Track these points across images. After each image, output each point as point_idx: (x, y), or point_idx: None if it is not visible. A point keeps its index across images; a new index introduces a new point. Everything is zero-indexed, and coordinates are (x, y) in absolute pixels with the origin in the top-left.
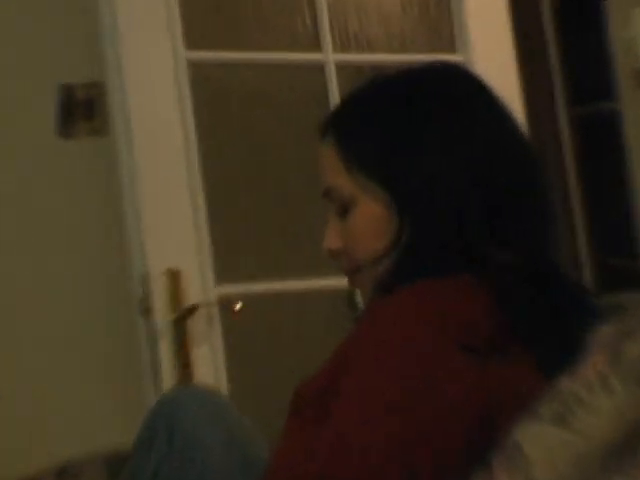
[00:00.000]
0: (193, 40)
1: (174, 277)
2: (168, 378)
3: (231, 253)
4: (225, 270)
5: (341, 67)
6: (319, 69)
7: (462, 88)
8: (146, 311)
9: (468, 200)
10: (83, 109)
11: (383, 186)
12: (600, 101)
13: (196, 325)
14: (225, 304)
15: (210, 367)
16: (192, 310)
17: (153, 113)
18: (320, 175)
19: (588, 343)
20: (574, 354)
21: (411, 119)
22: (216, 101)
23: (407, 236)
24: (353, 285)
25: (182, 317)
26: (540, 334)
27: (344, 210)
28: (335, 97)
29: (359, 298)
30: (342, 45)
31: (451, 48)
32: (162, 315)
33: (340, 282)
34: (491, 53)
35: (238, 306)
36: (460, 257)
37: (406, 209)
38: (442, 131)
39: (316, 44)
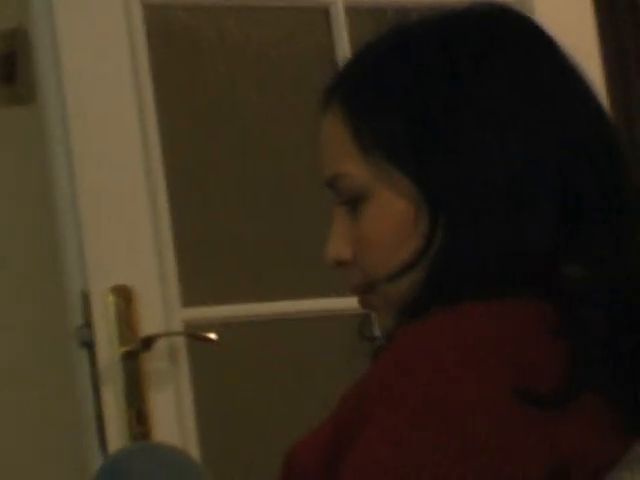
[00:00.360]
0: None
1: (125, 297)
2: (116, 433)
3: (201, 268)
4: (193, 289)
5: (353, 10)
6: (323, 13)
7: (519, 41)
8: (87, 343)
9: (529, 198)
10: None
11: (411, 175)
12: None
13: (155, 361)
14: (194, 334)
15: (173, 418)
16: (149, 341)
17: (96, 75)
18: (322, 158)
19: None
20: None
21: (451, 84)
22: (181, 56)
23: (441, 242)
24: (366, 307)
25: (136, 351)
26: (625, 376)
27: (355, 205)
28: (345, 52)
29: (376, 325)
30: None
31: None
32: (109, 348)
33: (345, 303)
34: None
35: (212, 335)
36: (517, 274)
37: (440, 206)
38: (496, 102)
39: None
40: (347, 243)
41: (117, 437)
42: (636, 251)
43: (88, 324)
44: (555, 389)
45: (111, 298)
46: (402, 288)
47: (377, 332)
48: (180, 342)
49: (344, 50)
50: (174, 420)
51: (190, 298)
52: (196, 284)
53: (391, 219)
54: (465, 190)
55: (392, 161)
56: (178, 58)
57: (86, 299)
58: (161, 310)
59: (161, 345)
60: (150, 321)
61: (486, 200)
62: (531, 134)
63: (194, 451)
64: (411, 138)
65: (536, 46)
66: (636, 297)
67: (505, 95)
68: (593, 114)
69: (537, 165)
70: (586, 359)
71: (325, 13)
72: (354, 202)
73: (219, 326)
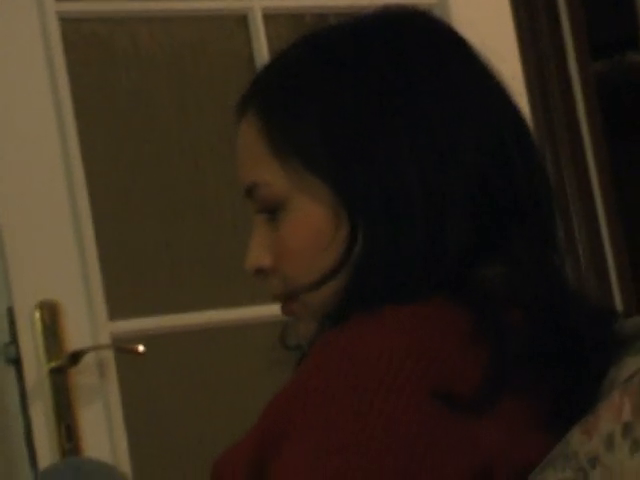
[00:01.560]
0: None
1: (51, 312)
2: (46, 450)
3: (128, 280)
4: (120, 302)
5: (270, 16)
6: (241, 19)
7: (431, 44)
8: (14, 359)
9: (444, 201)
10: None
11: (328, 181)
12: (627, 52)
13: (83, 377)
14: (122, 346)
15: (103, 432)
16: (77, 356)
17: (15, 87)
18: (239, 167)
19: (610, 381)
20: (590, 399)
21: (365, 88)
22: (97, 66)
23: (360, 249)
24: (288, 314)
25: (63, 366)
26: (542, 377)
27: (273, 214)
28: (263, 59)
29: (294, 333)
30: None
31: None
32: (36, 364)
33: (269, 310)
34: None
35: (140, 348)
36: (433, 277)
37: (358, 213)
38: (410, 108)
39: None
40: (266, 251)
41: (47, 453)
42: (550, 252)
43: (14, 341)
44: (474, 392)
45: (37, 314)
46: (323, 296)
47: (299, 340)
48: (108, 355)
49: (262, 57)
50: (104, 434)
51: (116, 311)
52: (122, 297)
53: (310, 227)
54: (382, 196)
55: (309, 168)
56: (95, 68)
57: (11, 315)
58: (88, 324)
59: (89, 359)
60: (77, 335)
61: (402, 206)
62: (446, 139)
63: (125, 465)
64: (327, 145)
65: (449, 50)
66: (554, 295)
67: (419, 100)
68: (508, 117)
69: (452, 170)
70: (504, 358)
71: (243, 20)
72: (273, 211)
73: (147, 338)
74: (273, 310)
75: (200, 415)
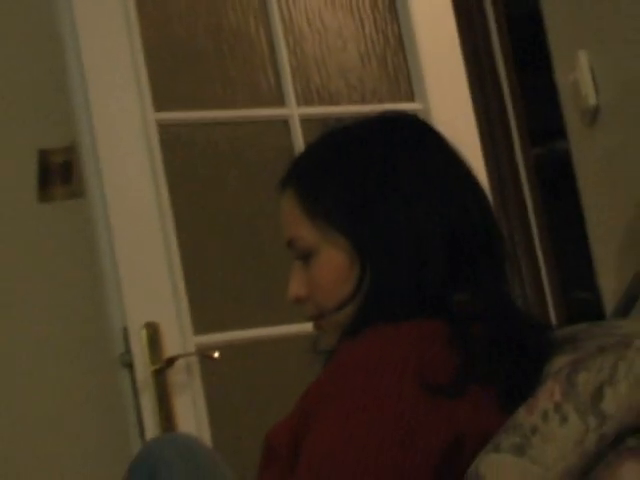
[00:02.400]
0: (161, 101)
1: (153, 330)
2: (151, 428)
3: (207, 304)
4: (202, 321)
5: (305, 120)
6: (284, 123)
7: (416, 137)
8: (128, 364)
9: (427, 248)
10: (61, 173)
11: (344, 235)
12: (556, 141)
13: (176, 375)
14: (203, 353)
15: (192, 416)
16: (172, 361)
17: (125, 174)
18: (282, 227)
19: (545, 375)
20: (532, 387)
21: (369, 169)
22: (186, 159)
23: (369, 283)
24: (319, 330)
25: (162, 368)
26: (499, 370)
27: (307, 259)
28: (301, 149)
29: (323, 343)
30: (305, 99)
31: (410, 97)
32: (143, 367)
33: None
34: (449, 100)
35: (216, 354)
36: (421, 302)
37: (367, 257)
38: (400, 181)
39: (280, 99)
40: (302, 286)
41: (151, 430)
42: (504, 281)
43: (128, 351)
44: (450, 382)
45: (143, 331)
46: (343, 316)
47: (326, 347)
48: (194, 361)
49: (300, 150)
50: (192, 418)
51: (200, 328)
52: (204, 317)
53: (333, 267)
54: (382, 246)
55: (332, 226)
56: (185, 163)
57: (126, 333)
58: (179, 338)
59: (180, 364)
60: (171, 346)
61: (396, 253)
62: (427, 203)
63: (207, 439)
64: (343, 211)
65: (429, 142)
66: (506, 313)
67: (407, 180)
68: (472, 190)
69: (431, 228)
70: (472, 359)
71: (286, 124)
72: (306, 257)
73: (223, 347)
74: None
75: (265, 407)
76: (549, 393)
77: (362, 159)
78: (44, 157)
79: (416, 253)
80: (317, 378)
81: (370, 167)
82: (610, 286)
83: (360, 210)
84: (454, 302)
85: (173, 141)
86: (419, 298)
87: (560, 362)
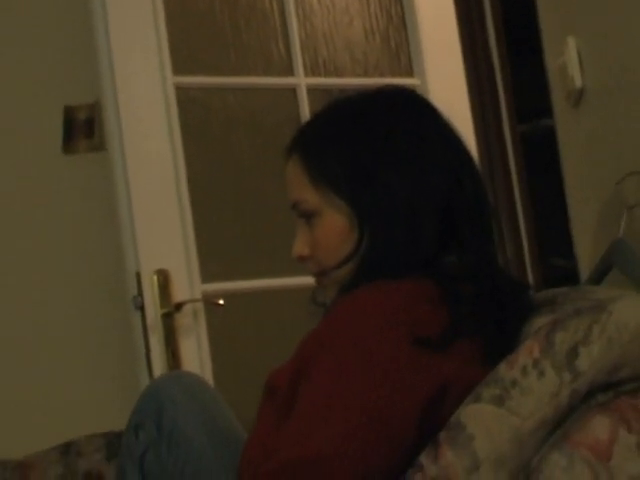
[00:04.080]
0: (179, 66)
1: (164, 276)
2: (159, 366)
3: (215, 255)
4: (209, 270)
5: (312, 90)
6: (292, 92)
7: (413, 110)
8: (139, 307)
9: (421, 213)
10: (84, 128)
11: (346, 200)
12: (541, 119)
13: (183, 319)
14: (209, 300)
15: (196, 357)
16: (180, 306)
17: (144, 131)
18: (287, 189)
19: (525, 333)
20: (513, 344)
21: (370, 139)
22: (200, 121)
23: (366, 244)
24: (320, 285)
25: (171, 312)
26: (483, 327)
27: (310, 220)
28: (307, 117)
29: (321, 296)
30: (312, 70)
31: (409, 73)
32: (153, 310)
33: (309, 280)
34: (445, 77)
35: (221, 301)
36: (413, 263)
37: (365, 221)
38: (398, 151)
39: (289, 69)
40: (305, 245)
41: (159, 368)
42: (491, 245)
43: (140, 294)
44: (438, 337)
45: (155, 277)
46: (343, 273)
47: (325, 300)
48: (200, 307)
49: (306, 117)
50: (196, 358)
51: (207, 277)
52: (211, 266)
53: (334, 229)
54: (380, 211)
55: (334, 191)
56: (199, 123)
57: (139, 278)
58: (187, 285)
59: (187, 308)
60: (180, 292)
61: (392, 217)
62: (422, 172)
63: (209, 378)
64: (344, 177)
65: (425, 115)
66: (492, 275)
67: (404, 148)
68: (464, 160)
69: (426, 193)
70: (459, 316)
71: (294, 92)
72: (309, 218)
73: (227, 295)
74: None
75: (264, 351)
76: (529, 350)
77: (364, 130)
78: (69, 113)
79: (411, 218)
80: (315, 327)
81: (371, 137)
82: (586, 255)
83: (360, 177)
84: (444, 263)
85: (189, 103)
86: (412, 259)
87: (539, 322)
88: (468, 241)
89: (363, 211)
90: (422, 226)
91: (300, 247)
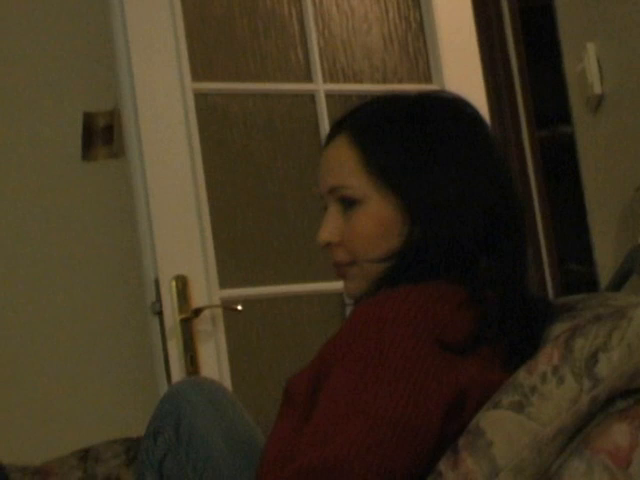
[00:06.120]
0: (198, 72)
1: (182, 282)
2: (177, 372)
3: (233, 261)
4: (227, 276)
5: (330, 96)
6: (311, 98)
7: (470, 119)
8: (158, 312)
9: (468, 215)
10: (103, 135)
11: (396, 192)
12: (560, 125)
13: (202, 325)
14: (227, 306)
15: (214, 362)
16: (198, 312)
17: (163, 138)
18: (325, 170)
19: (545, 339)
20: (531, 352)
21: (428, 138)
22: (219, 127)
23: (414, 240)
24: (342, 276)
25: (189, 318)
26: (506, 334)
27: (350, 207)
28: (325, 123)
29: (346, 288)
30: (331, 76)
31: (427, 79)
32: (172, 316)
33: (329, 286)
34: (463, 83)
35: (239, 307)
36: (454, 263)
37: (415, 216)
38: (454, 154)
39: (308, 75)
40: (336, 232)
41: (177, 374)
42: (523, 253)
43: (159, 300)
44: (462, 341)
45: (173, 283)
46: (377, 267)
47: (348, 296)
48: (218, 312)
49: (324, 123)
50: (215, 363)
51: (225, 282)
52: (229, 273)
53: (379, 220)
54: (431, 208)
55: (386, 181)
56: (218, 130)
57: (157, 284)
58: (205, 291)
59: (206, 314)
60: (198, 298)
61: (444, 216)
62: (474, 179)
63: (227, 383)
64: (400, 169)
65: (478, 122)
66: (520, 283)
67: (460, 150)
68: (508, 174)
69: (475, 196)
70: (485, 322)
71: (312, 98)
72: (350, 204)
73: (245, 301)
74: (330, 286)
75: (281, 357)
76: (548, 356)
77: (423, 128)
78: (89, 120)
79: (460, 220)
80: (337, 332)
81: (429, 136)
82: (604, 261)
83: (415, 171)
84: (478, 269)
85: (208, 109)
86: (454, 260)
87: (559, 329)
88: (503, 253)
89: (413, 205)
90: (469, 229)
91: (328, 232)
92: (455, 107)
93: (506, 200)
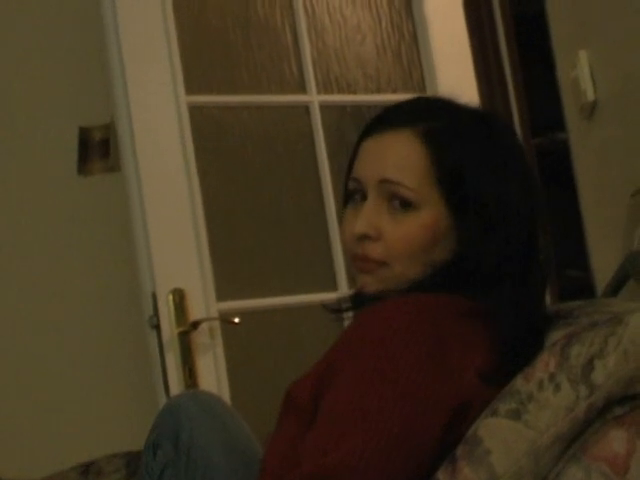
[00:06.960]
0: (193, 85)
1: (179, 296)
2: (176, 385)
3: (230, 273)
4: (225, 288)
5: (324, 107)
6: (305, 109)
7: (516, 140)
8: (156, 326)
9: (514, 236)
10: (99, 149)
11: (451, 209)
12: (555, 132)
13: (200, 338)
14: (225, 319)
15: (213, 375)
16: (196, 324)
17: (158, 151)
18: (378, 160)
19: (542, 347)
20: (528, 360)
21: (500, 154)
22: (214, 140)
23: (457, 254)
24: (365, 271)
25: (187, 331)
26: (513, 347)
27: (402, 208)
28: (320, 134)
29: (361, 283)
30: (325, 87)
31: (421, 88)
32: (169, 329)
33: (327, 297)
34: (457, 92)
35: (237, 320)
36: (486, 281)
37: (465, 231)
38: (517, 172)
39: (302, 87)
40: (372, 225)
41: (176, 387)
42: (540, 270)
43: (156, 314)
44: (489, 367)
45: (170, 296)
46: (409, 273)
47: (362, 289)
48: (216, 325)
49: (319, 134)
50: (213, 376)
51: (222, 295)
52: (226, 285)
53: (431, 231)
54: (481, 224)
55: (445, 195)
56: (213, 142)
57: (155, 297)
58: (203, 304)
59: (204, 327)
60: (196, 311)
61: (491, 234)
62: (526, 194)
63: (226, 397)
64: (472, 181)
65: (520, 147)
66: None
67: (519, 168)
68: (536, 193)
69: (521, 215)
70: (497, 338)
71: (306, 109)
72: (403, 205)
73: (243, 314)
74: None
75: (280, 368)
76: (545, 364)
77: (495, 139)
78: (84, 134)
79: (509, 239)
80: (340, 338)
81: (500, 149)
82: (601, 267)
83: (486, 187)
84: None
85: (202, 122)
86: (488, 279)
87: (555, 336)
88: (520, 272)
89: (466, 220)
90: (515, 249)
91: (366, 225)
92: (507, 124)
93: (539, 219)
